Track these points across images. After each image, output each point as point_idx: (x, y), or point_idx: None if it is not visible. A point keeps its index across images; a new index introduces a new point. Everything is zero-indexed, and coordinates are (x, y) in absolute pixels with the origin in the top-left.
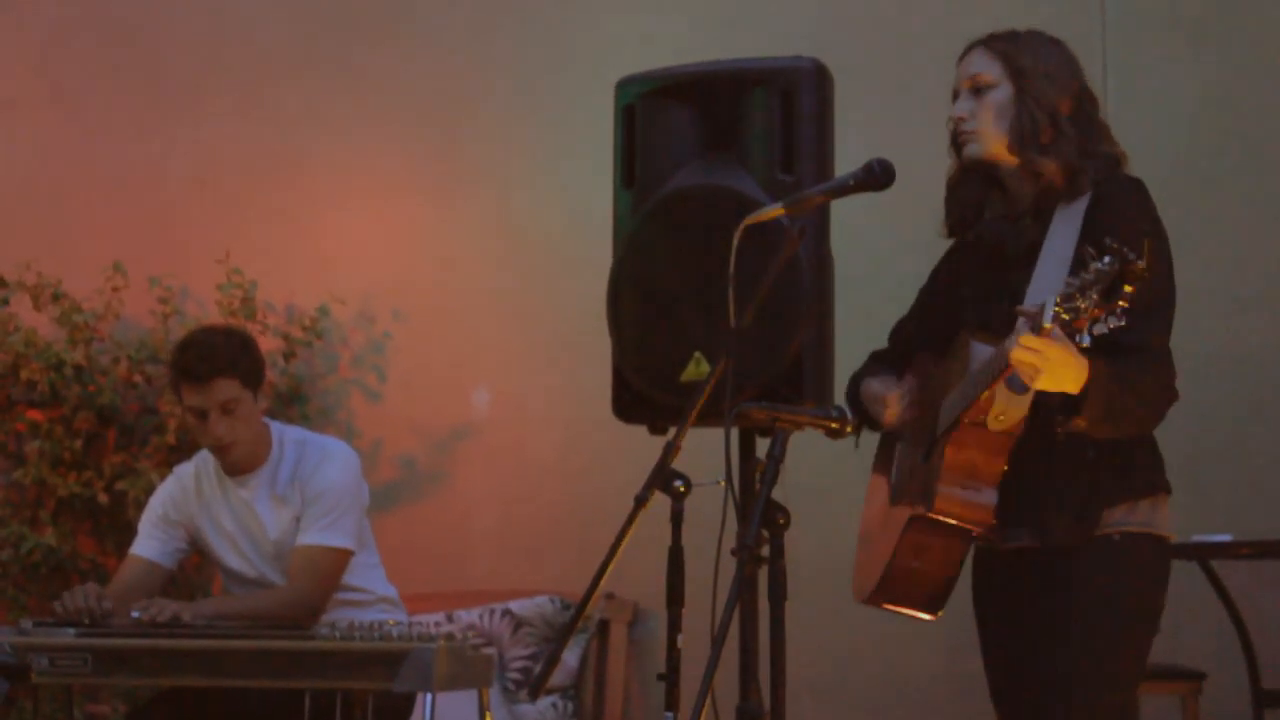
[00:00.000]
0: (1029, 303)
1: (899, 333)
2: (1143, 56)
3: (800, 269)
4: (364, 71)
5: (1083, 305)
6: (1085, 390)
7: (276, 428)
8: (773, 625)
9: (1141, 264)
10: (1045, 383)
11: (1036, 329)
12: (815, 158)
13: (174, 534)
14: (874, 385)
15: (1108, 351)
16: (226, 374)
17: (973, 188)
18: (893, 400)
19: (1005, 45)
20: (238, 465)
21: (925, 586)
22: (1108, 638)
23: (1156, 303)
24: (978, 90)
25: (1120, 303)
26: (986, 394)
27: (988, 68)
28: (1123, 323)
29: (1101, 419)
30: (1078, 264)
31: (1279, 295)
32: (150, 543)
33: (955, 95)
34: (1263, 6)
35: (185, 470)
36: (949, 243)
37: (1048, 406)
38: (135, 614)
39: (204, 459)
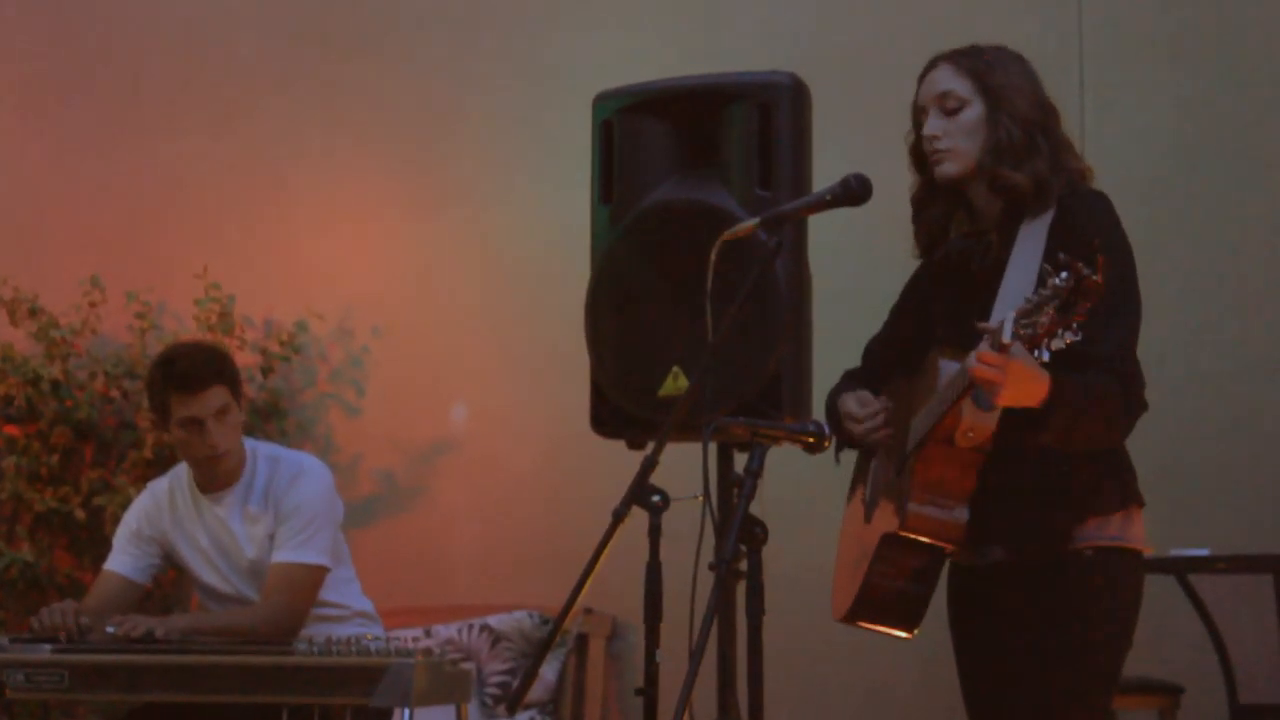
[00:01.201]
0: (994, 319)
1: (871, 351)
2: (1120, 73)
3: (778, 284)
4: (341, 87)
5: (1040, 320)
6: (1048, 405)
7: (249, 444)
8: (750, 639)
9: (1096, 278)
10: (1007, 398)
11: (996, 345)
12: (793, 173)
13: (148, 550)
14: (849, 403)
15: (1074, 365)
16: (219, 381)
17: (940, 206)
18: (864, 418)
19: (973, 62)
20: (221, 479)
21: (900, 605)
22: (1081, 652)
23: (1121, 314)
24: (947, 109)
25: (1076, 318)
26: (953, 411)
27: (957, 85)
28: (1078, 337)
29: (1066, 432)
30: (1039, 280)
31: (1256, 309)
32: (124, 558)
33: (921, 112)
34: (1238, 22)
35: (159, 486)
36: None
37: (1016, 422)
38: (110, 629)
39: (178, 475)
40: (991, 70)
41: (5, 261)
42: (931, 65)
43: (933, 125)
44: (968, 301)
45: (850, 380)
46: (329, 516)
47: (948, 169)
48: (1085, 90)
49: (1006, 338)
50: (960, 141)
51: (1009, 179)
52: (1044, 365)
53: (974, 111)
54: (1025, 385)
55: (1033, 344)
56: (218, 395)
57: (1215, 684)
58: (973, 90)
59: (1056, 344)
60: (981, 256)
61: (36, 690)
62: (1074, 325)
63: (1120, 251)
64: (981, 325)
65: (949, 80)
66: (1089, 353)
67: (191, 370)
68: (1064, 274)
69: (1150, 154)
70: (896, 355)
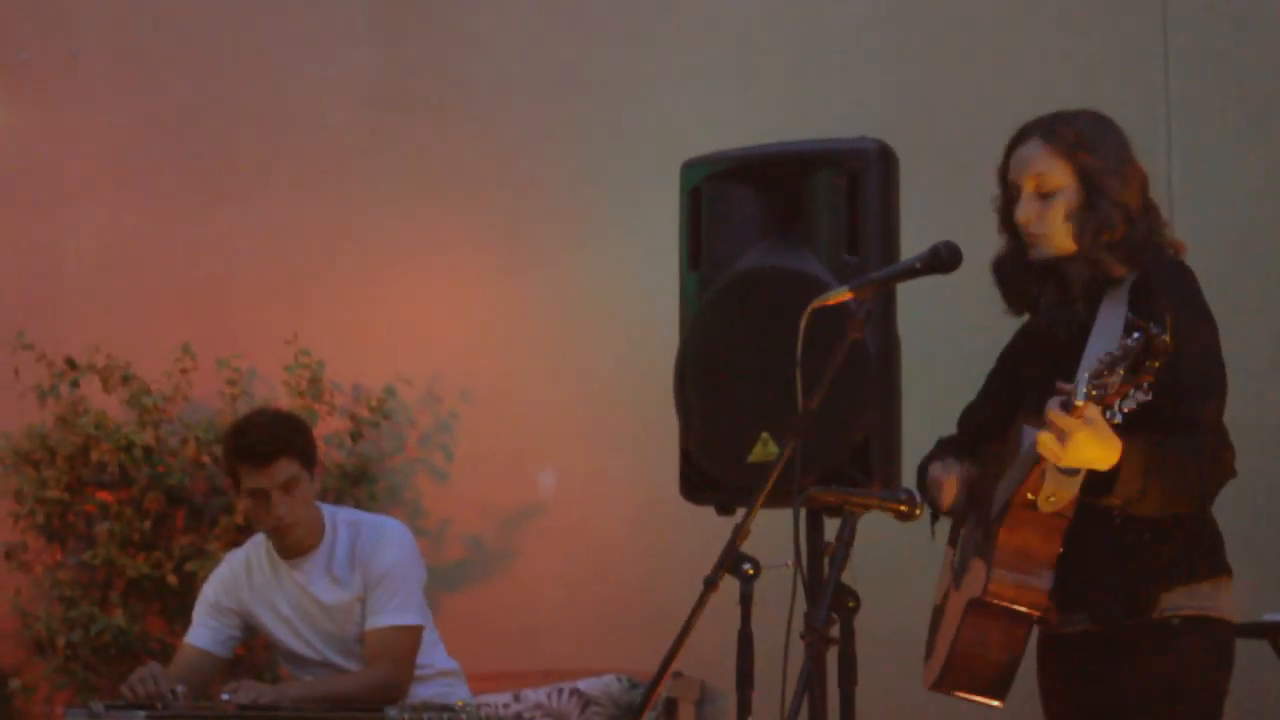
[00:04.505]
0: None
1: (967, 418)
2: (1207, 136)
3: (867, 351)
4: (428, 152)
5: (1111, 381)
6: (1117, 468)
7: (328, 510)
8: (842, 709)
9: (1166, 338)
10: (1071, 459)
11: (1068, 407)
12: (881, 239)
13: (227, 621)
14: (935, 469)
15: (1159, 429)
16: (287, 453)
17: (1031, 279)
18: (949, 485)
19: (1066, 141)
20: (294, 547)
21: (987, 672)
22: None
23: (1207, 381)
24: (1042, 193)
25: (1146, 377)
26: (1034, 474)
27: (1053, 168)
28: (1149, 397)
29: (1137, 497)
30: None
31: None
32: (203, 630)
33: (1012, 186)
34: None
35: (237, 557)
36: (1015, 324)
37: (1096, 488)
38: (225, 696)
39: (255, 545)
40: (1087, 153)
41: (98, 329)
42: (1022, 137)
43: (1027, 209)
44: (1054, 369)
45: (943, 448)
46: (417, 576)
47: (1041, 253)
48: (1172, 153)
49: (1079, 399)
50: (1055, 227)
51: (1103, 262)
52: (1128, 428)
53: (1070, 196)
54: (1089, 448)
55: (1104, 404)
56: (285, 468)
57: None
58: (1069, 174)
59: (1128, 405)
60: (1068, 325)
61: None
62: (1145, 385)
63: (1203, 320)
64: (1060, 385)
65: (1043, 161)
66: (1176, 417)
67: (258, 443)
68: (1136, 334)
69: (1238, 217)
70: (991, 421)
